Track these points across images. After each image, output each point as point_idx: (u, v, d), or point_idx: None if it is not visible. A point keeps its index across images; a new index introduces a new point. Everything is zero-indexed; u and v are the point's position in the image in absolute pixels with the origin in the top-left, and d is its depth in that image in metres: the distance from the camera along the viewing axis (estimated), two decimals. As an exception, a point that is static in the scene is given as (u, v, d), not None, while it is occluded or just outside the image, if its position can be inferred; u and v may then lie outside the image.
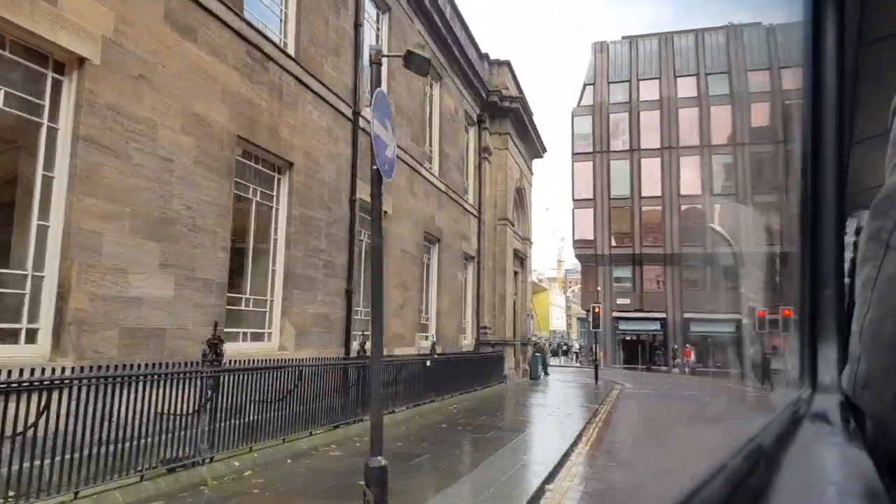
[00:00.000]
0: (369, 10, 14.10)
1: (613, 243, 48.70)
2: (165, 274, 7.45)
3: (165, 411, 6.56)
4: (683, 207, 47.01)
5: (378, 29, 14.66)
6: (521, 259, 26.55)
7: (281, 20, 10.58)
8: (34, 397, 5.02)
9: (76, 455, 5.35)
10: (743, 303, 28.88)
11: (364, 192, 12.78)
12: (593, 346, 29.46)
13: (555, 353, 50.16)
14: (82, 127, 6.45)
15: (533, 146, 28.20)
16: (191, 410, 6.90)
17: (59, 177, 6.36)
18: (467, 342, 21.21)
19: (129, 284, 6.94)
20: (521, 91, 24.77)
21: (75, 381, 5.45)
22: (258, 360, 8.57)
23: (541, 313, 64.27)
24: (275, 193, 10.10)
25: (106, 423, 5.68)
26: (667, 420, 16.88)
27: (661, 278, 47.15)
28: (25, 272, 6.16)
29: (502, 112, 23.38)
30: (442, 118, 18.65)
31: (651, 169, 47.67)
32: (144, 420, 6.23)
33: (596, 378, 27.44)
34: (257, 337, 9.66)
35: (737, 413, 18.15)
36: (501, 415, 14.46)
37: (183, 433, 6.78)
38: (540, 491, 7.21)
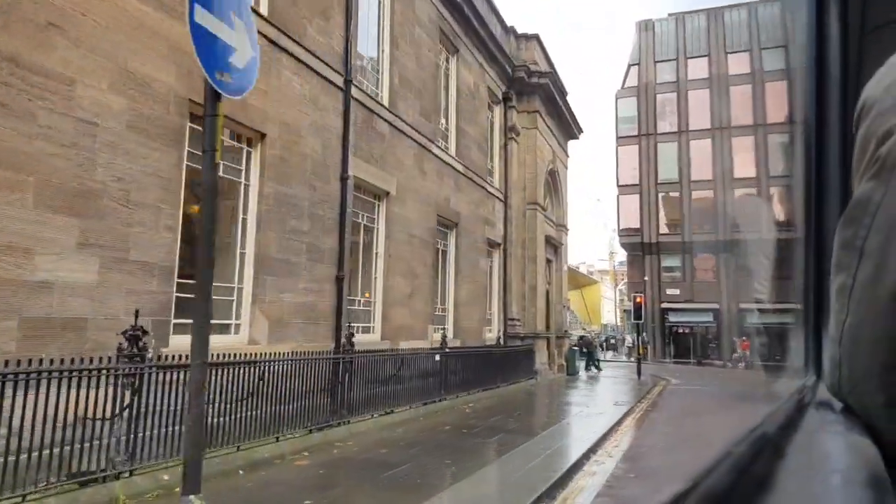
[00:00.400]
0: (368, -29, 12.89)
1: (661, 230, 46.37)
2: (86, 255, 6.41)
3: (80, 416, 5.54)
4: (737, 192, 44.32)
5: (380, -7, 13.43)
6: (554, 246, 24.99)
7: (253, -25, 9.46)
8: None
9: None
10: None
11: (360, 171, 11.61)
12: (635, 339, 27.62)
13: (603, 348, 48.18)
14: (-36, 79, 5.43)
15: (567, 126, 26.53)
16: (111, 415, 5.86)
17: (-65, 138, 5.35)
18: (493, 335, 19.86)
19: (35, 267, 5.91)
20: (551, 66, 23.15)
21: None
22: (224, 356, 7.50)
23: (591, 306, 62.18)
24: (243, 168, 8.99)
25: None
26: (710, 422, 15.17)
27: (713, 267, 44.60)
28: None
29: (530, 89, 21.84)
30: (459, 94, 17.30)
31: (701, 151, 45.08)
32: (50, 427, 5.20)
33: (638, 373, 25.71)
34: (222, 329, 8.59)
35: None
36: (519, 415, 13.10)
37: (97, 443, 5.73)
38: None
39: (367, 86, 12.48)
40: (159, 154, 7.28)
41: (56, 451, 5.41)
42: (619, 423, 12.67)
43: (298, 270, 9.78)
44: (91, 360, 5.71)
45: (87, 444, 5.65)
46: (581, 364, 25.53)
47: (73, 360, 5.56)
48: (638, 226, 46.77)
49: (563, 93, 24.62)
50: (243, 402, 7.68)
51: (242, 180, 8.96)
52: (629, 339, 44.60)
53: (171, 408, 6.44)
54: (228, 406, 7.50)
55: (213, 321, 8.23)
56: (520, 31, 22.07)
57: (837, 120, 1.50)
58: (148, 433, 6.21)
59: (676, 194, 45.99)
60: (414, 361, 12.49)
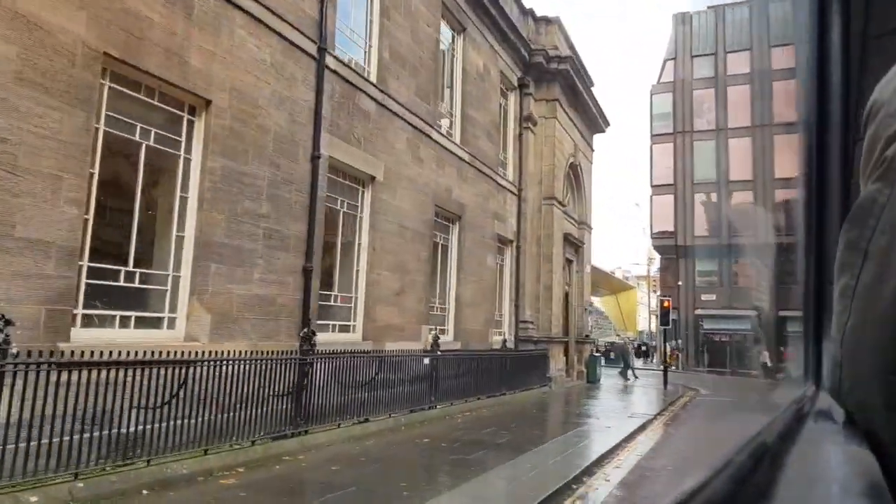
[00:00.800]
0: (355, -66, 11.70)
1: (696, 232, 44.17)
2: (-52, 228, 5.32)
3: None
4: (779, 193, 41.87)
5: (370, -40, 12.23)
6: (575, 246, 23.45)
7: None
8: None
9: None
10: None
11: (339, 151, 10.43)
12: (671, 345, 25.87)
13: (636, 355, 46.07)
14: None
15: (592, 119, 24.96)
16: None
17: None
18: (503, 338, 18.47)
19: None
20: (574, 53, 21.65)
21: None
22: (157, 354, 6.38)
23: (627, 313, 60.11)
24: (182, 138, 7.86)
25: None
26: (735, 441, 13.50)
27: (752, 272, 42.20)
28: None
29: (549, 75, 20.40)
30: (466, 76, 16.00)
31: (740, 150, 42.77)
32: None
33: (665, 382, 23.99)
34: (150, 323, 7.45)
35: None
36: (515, 427, 11.72)
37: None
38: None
39: (351, 58, 11.29)
40: (60, 115, 6.17)
41: None
42: (628, 439, 11.23)
43: (253, 258, 8.62)
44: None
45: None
46: (601, 371, 23.91)
47: None
48: (672, 228, 44.65)
49: (587, 82, 23.09)
50: (163, 408, 6.53)
51: (182, 153, 7.83)
52: (669, 347, 42.50)
53: (47, 415, 5.30)
54: (145, 413, 6.37)
55: (135, 313, 7.13)
56: (541, 15, 20.66)
57: (839, 128, 1.50)
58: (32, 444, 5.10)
59: (714, 195, 43.77)
60: (398, 364, 11.23)
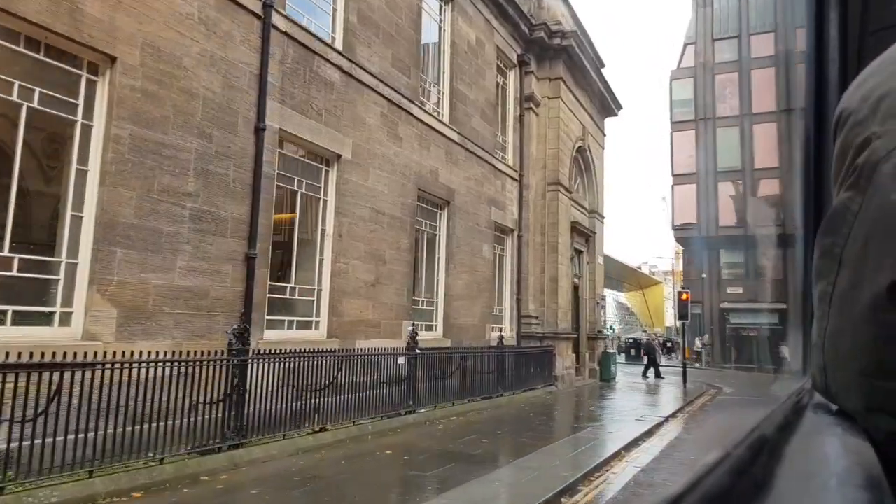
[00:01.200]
0: None
1: (721, 223, 42.16)
2: None
3: None
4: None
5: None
6: (585, 235, 21.96)
7: None
8: None
9: None
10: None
11: (292, 124, 9.21)
12: (681, 341, 24.21)
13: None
14: None
15: (602, 101, 23.43)
16: None
17: None
18: (504, 334, 17.10)
19: None
20: (579, 27, 20.14)
21: None
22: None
23: (654, 308, 58.40)
24: (80, 101, 6.67)
25: None
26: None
27: (780, 263, 40.11)
28: None
29: (552, 52, 18.95)
30: (456, 50, 14.67)
31: (766, 136, 40.68)
32: None
33: (684, 380, 22.43)
34: (36, 319, 6.29)
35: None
36: (501, 434, 10.39)
37: None
38: None
39: (309, 20, 10.03)
40: None
41: None
42: (630, 446, 9.92)
43: (177, 243, 7.41)
44: None
45: None
46: (616, 368, 22.39)
47: None
48: (695, 218, 42.72)
49: (595, 61, 21.58)
50: (36, 421, 5.36)
51: (79, 118, 6.64)
52: (698, 342, 40.34)
53: None
54: (20, 427, 5.23)
55: (22, 308, 5.97)
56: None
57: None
58: None
59: (738, 183, 41.76)
60: (367, 365, 9.99)
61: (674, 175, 44.22)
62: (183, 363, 6.85)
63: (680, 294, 22.23)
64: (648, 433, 11.54)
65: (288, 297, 9.56)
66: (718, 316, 41.16)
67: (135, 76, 6.97)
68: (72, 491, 5.44)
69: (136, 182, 6.94)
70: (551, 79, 19.14)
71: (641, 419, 13.04)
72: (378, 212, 11.36)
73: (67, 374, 5.66)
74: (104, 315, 6.59)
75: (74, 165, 6.56)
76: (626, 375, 26.03)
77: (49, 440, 5.42)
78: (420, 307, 13.22)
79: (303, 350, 8.71)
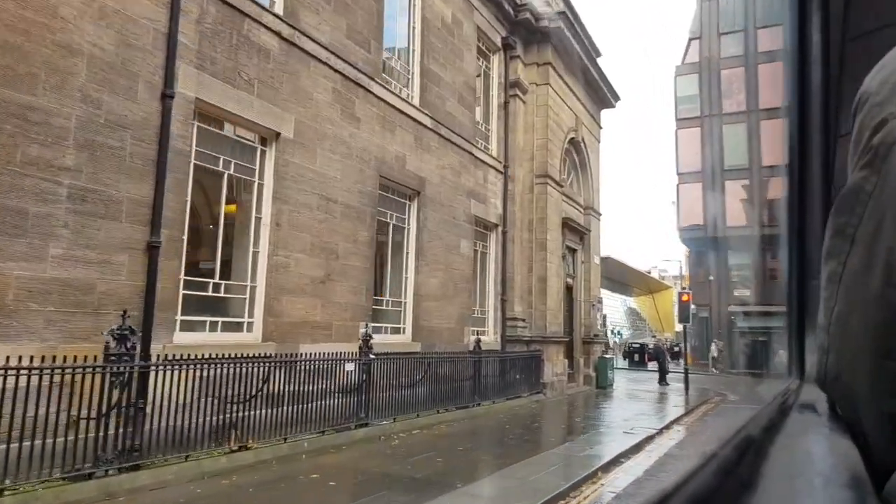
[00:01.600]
0: None
1: (728, 223, 40.64)
2: None
3: None
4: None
5: None
6: (579, 233, 20.61)
7: None
8: None
9: None
10: None
11: (215, 94, 8.01)
12: (683, 346, 22.75)
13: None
14: None
15: (598, 90, 22.08)
16: None
17: None
18: (487, 338, 15.80)
19: None
20: (570, 9, 18.83)
21: None
22: None
23: (664, 313, 56.92)
24: (-90, 50, 5.45)
25: None
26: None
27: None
28: None
29: (540, 35, 17.65)
30: (427, 26, 13.41)
31: (774, 133, 39.12)
32: None
33: (686, 387, 21.02)
34: None
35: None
36: (463, 451, 9.08)
37: None
38: None
39: (239, -21, 8.80)
40: None
41: None
42: (609, 466, 8.58)
43: (50, 227, 6.17)
44: None
45: None
46: (613, 375, 20.97)
47: None
48: (701, 217, 41.23)
49: (588, 48, 20.25)
50: None
51: None
52: (714, 348, 38.42)
53: None
54: None
55: None
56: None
57: (819, 127, 1.53)
58: None
59: (745, 181, 40.23)
60: (309, 372, 8.73)
61: (679, 174, 42.75)
62: (48, 371, 5.61)
63: (681, 295, 20.82)
64: (635, 448, 10.19)
65: (211, 294, 8.29)
66: (727, 319, 39.61)
67: (-11, 23, 5.75)
68: None
69: (-11, 150, 5.71)
70: (539, 64, 17.84)
71: (630, 432, 11.68)
72: (329, 199, 10.09)
73: None
74: (-61, 312, 5.35)
75: None
76: (629, 382, 24.60)
77: None
78: (384, 308, 11.94)
79: (221, 356, 7.44)
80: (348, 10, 10.70)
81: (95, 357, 6.04)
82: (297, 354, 8.88)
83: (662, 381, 22.82)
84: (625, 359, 40.15)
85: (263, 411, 7.95)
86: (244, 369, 7.82)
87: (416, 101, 12.96)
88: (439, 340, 13.24)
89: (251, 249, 8.88)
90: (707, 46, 42.19)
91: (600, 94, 22.48)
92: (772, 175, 39.65)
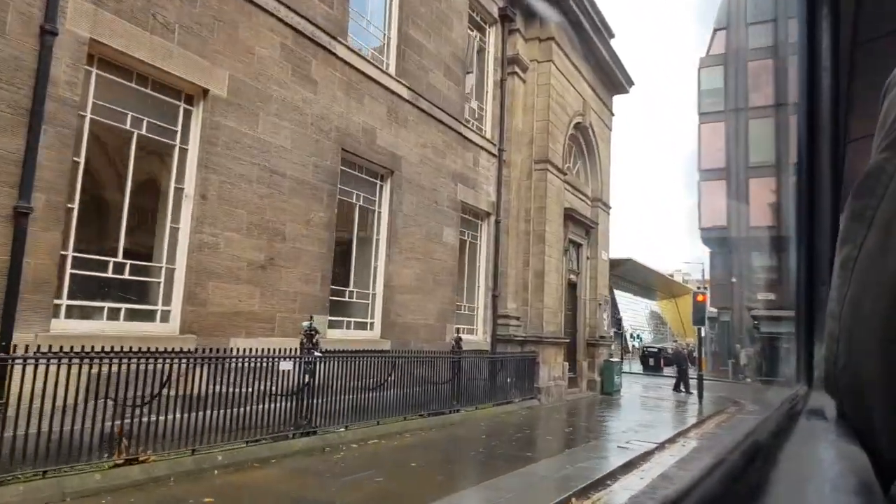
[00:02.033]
0: None
1: (752, 223, 38.59)
2: None
3: None
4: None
5: None
6: (585, 226, 19.05)
7: None
8: None
9: None
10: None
11: (115, 34, 6.67)
12: (698, 350, 21.05)
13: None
14: None
15: (609, 74, 20.49)
16: None
17: None
18: (476, 337, 14.38)
19: None
20: (577, -18, 17.27)
21: None
22: None
23: (686, 317, 54.93)
24: None
25: None
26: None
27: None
28: None
29: (542, 7, 16.16)
30: (409, -12, 12.02)
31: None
32: None
33: (700, 394, 19.36)
34: None
35: None
36: (415, 469, 7.66)
37: None
38: None
39: None
40: None
41: None
42: (590, 489, 7.12)
43: None
44: None
45: None
46: (620, 380, 19.35)
47: None
48: (724, 216, 39.27)
49: (601, 28, 18.65)
50: None
51: None
52: (744, 355, 36.03)
53: None
54: None
55: None
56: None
57: (829, 132, 1.50)
58: None
59: (772, 179, 38.19)
60: (233, 372, 7.39)
61: (701, 170, 40.80)
62: None
63: (695, 295, 19.13)
64: (627, 467, 8.70)
65: (112, 275, 6.98)
66: (748, 324, 37.64)
67: None
68: None
69: None
70: (541, 39, 16.34)
71: (626, 446, 10.18)
72: (274, 172, 8.75)
73: None
74: None
75: None
76: (640, 388, 22.98)
77: None
78: (347, 300, 10.58)
79: (121, 349, 6.16)
80: (303, -44, 9.36)
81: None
82: (224, 350, 7.55)
83: (678, 388, 21.07)
84: (641, 363, 38.42)
85: (176, 416, 6.66)
86: (152, 366, 6.54)
87: (391, 70, 11.58)
88: (415, 338, 11.85)
89: (169, 225, 7.56)
90: (734, 37, 40.16)
91: (612, 78, 20.87)
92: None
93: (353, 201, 10.72)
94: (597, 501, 6.85)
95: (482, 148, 14.55)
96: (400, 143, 11.53)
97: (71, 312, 6.48)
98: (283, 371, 7.99)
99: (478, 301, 14.70)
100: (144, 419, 6.45)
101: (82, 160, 6.52)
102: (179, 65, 7.45)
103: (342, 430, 8.89)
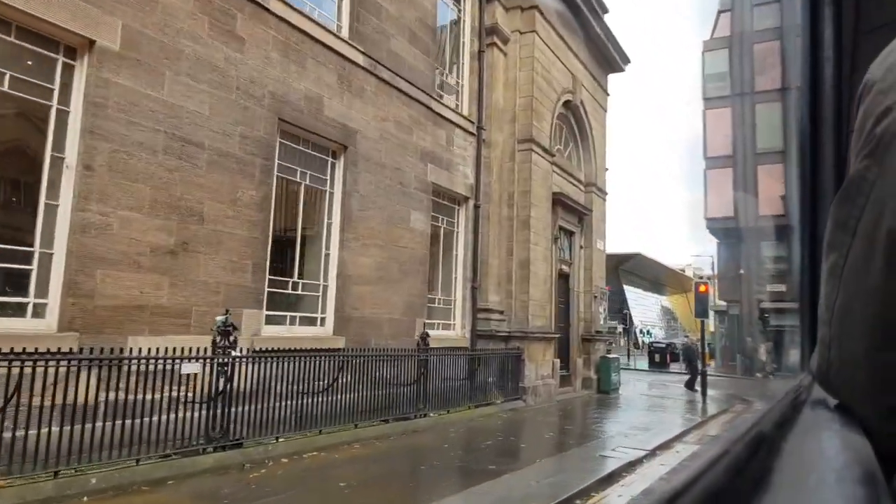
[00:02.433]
0: None
1: (761, 212, 37.01)
2: None
3: None
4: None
5: None
6: (577, 213, 17.66)
7: None
8: None
9: None
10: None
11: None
12: (701, 344, 19.59)
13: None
14: None
15: (603, 50, 19.09)
16: None
17: None
18: (453, 333, 13.09)
19: None
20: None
21: None
22: None
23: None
24: None
25: None
26: None
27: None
28: None
29: (524, -27, 14.83)
30: (363, -58, 10.71)
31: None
32: None
33: (703, 393, 17.97)
34: None
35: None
36: (346, 489, 6.36)
37: None
38: None
39: None
40: None
41: None
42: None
43: None
44: None
45: None
46: (618, 378, 17.94)
47: None
48: (731, 205, 37.71)
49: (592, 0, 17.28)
50: None
51: None
52: (763, 350, 33.93)
53: None
54: None
55: None
56: None
57: (832, 123, 1.49)
58: None
59: (780, 165, 36.58)
60: (132, 375, 6.15)
61: (707, 158, 39.25)
62: None
63: (697, 286, 17.70)
64: (607, 480, 7.43)
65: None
66: (757, 317, 36.09)
67: None
68: None
69: None
70: (523, 8, 14.99)
71: (611, 454, 8.86)
72: (186, 141, 7.48)
73: None
74: None
75: None
76: (643, 386, 21.56)
77: None
78: (290, 292, 9.29)
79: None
80: None
81: None
82: (115, 351, 6.29)
83: (690, 385, 19.47)
84: (648, 359, 36.98)
85: (52, 430, 5.42)
86: (17, 370, 5.30)
87: (344, 34, 10.29)
88: (378, 335, 10.57)
89: (44, 202, 6.30)
90: (739, 19, 38.59)
91: (606, 55, 19.46)
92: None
93: (298, 180, 9.44)
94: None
95: (457, 125, 13.23)
96: (354, 115, 10.23)
97: None
98: (188, 375, 6.71)
99: (455, 293, 13.38)
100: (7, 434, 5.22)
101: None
102: (53, 8, 6.18)
103: (273, 441, 7.61)
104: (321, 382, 8.48)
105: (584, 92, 17.90)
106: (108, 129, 6.63)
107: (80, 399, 5.79)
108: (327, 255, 9.89)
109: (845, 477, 0.49)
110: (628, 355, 40.03)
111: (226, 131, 7.98)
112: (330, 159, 10.01)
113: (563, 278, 17.17)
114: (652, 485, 7.92)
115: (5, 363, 5.30)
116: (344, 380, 8.87)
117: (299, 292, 9.43)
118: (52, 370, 5.69)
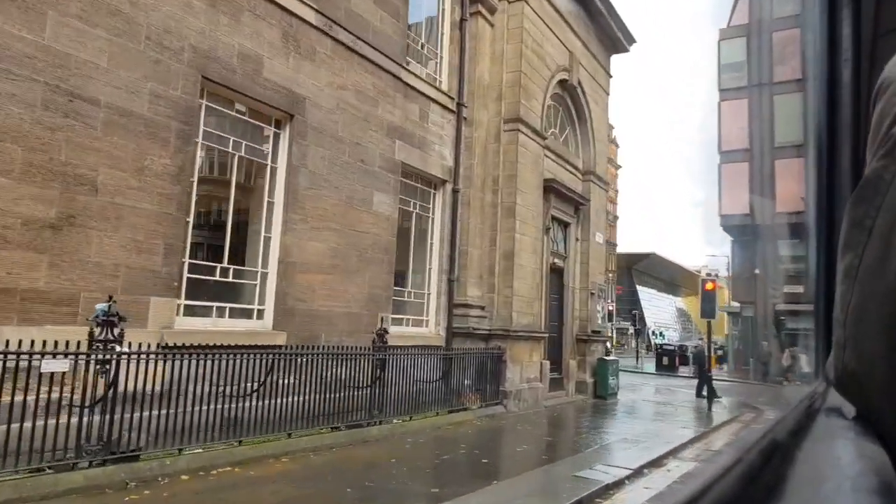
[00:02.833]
0: None
1: (779, 209, 35.32)
2: None
3: None
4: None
5: None
6: (573, 202, 16.28)
7: None
8: None
9: None
10: None
11: None
12: (707, 347, 18.10)
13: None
14: None
15: (605, 29, 17.69)
16: None
17: None
18: (424, 331, 11.83)
19: None
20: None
21: None
22: None
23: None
24: None
25: None
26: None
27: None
28: None
29: (513, -64, 13.49)
30: None
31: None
32: None
33: (710, 400, 16.55)
34: None
35: None
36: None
37: None
38: None
39: None
40: None
41: None
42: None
43: None
44: None
45: None
46: (617, 382, 16.54)
47: None
48: (746, 203, 36.04)
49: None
50: None
51: None
52: (787, 355, 31.52)
53: None
54: None
55: None
56: None
57: (849, 126, 1.49)
58: None
59: (799, 159, 34.87)
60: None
61: (721, 152, 37.54)
62: None
63: (703, 283, 16.25)
64: (603, 496, 6.13)
65: None
66: (773, 320, 34.42)
67: None
68: None
69: None
70: (512, -25, 13.67)
71: (585, 474, 7.52)
72: (76, 97, 6.28)
73: None
74: None
75: None
76: (646, 391, 20.18)
77: None
78: (219, 278, 8.06)
79: None
80: None
81: None
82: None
83: (700, 393, 17.75)
84: (656, 363, 35.47)
85: None
86: None
87: (294, -12, 9.04)
88: (330, 330, 9.34)
89: None
90: (757, 6, 36.87)
91: (609, 34, 18.06)
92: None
93: (230, 150, 8.21)
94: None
95: (433, 100, 11.94)
96: (303, 79, 8.99)
97: None
98: (59, 374, 5.51)
99: (429, 286, 12.11)
100: None
101: None
102: None
103: (175, 454, 6.40)
104: (244, 385, 7.26)
105: (582, 71, 16.52)
106: (-40, 75, 5.44)
107: None
108: (267, 239, 8.66)
109: (861, 486, 0.48)
110: (637, 357, 38.53)
111: (130, 87, 6.76)
112: (272, 129, 8.78)
113: (557, 273, 15.83)
114: (663, 491, 6.67)
115: None
116: (283, 381, 7.66)
117: (229, 279, 8.20)
118: None
